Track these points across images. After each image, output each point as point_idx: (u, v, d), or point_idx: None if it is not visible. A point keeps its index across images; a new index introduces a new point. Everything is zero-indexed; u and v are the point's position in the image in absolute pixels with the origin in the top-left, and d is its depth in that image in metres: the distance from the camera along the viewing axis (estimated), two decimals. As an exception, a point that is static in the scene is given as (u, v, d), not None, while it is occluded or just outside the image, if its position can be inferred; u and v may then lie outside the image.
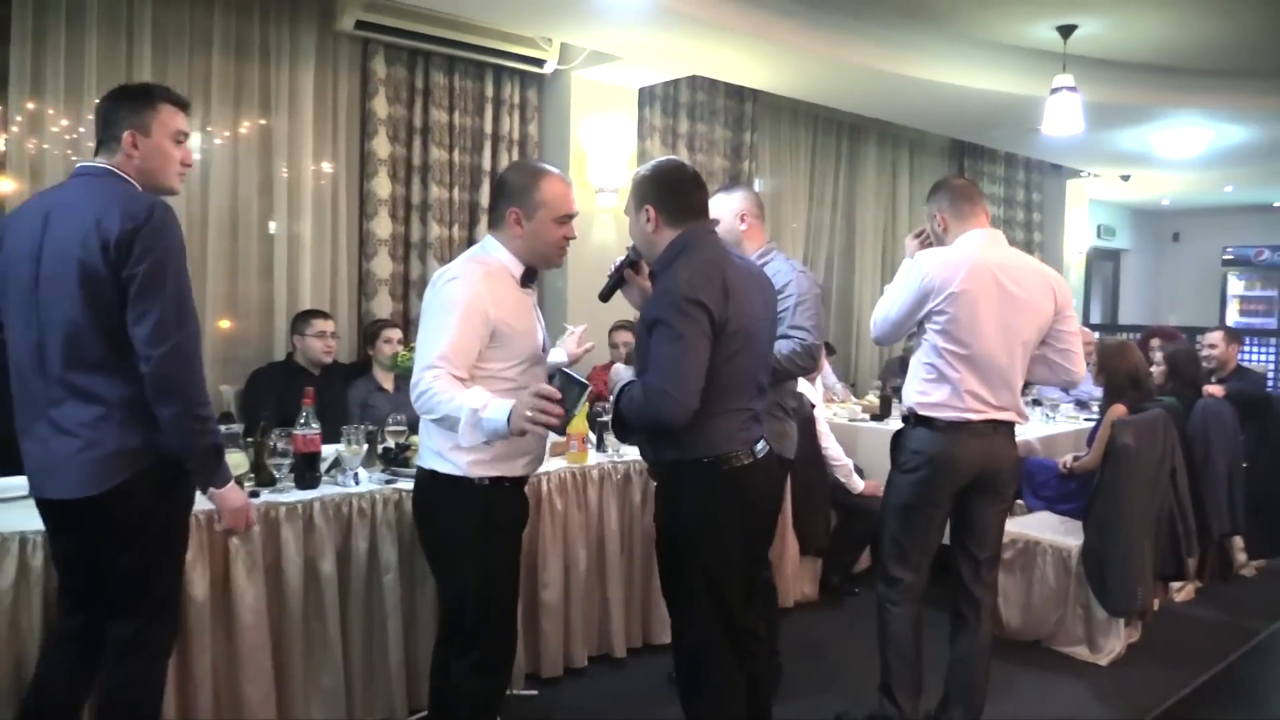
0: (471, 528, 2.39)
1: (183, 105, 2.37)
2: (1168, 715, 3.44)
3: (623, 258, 2.62)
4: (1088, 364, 5.84)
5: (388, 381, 4.44)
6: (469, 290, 2.33)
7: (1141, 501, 3.81)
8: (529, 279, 2.51)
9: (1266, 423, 5.27)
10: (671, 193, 2.43)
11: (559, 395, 2.14)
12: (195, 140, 4.54)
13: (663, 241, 2.42)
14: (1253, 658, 4.05)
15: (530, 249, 2.47)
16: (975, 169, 8.63)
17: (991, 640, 3.12)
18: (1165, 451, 3.98)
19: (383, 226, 5.01)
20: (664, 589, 2.53)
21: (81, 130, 4.18)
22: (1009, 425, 3.00)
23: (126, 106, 2.29)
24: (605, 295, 2.68)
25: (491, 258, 2.46)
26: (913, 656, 3.05)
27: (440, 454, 2.38)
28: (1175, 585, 4.64)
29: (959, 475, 2.93)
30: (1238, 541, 5.15)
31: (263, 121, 4.70)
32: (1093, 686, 3.67)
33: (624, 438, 2.59)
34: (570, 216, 2.46)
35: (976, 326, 2.87)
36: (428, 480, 2.45)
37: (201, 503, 2.40)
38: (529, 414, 2.10)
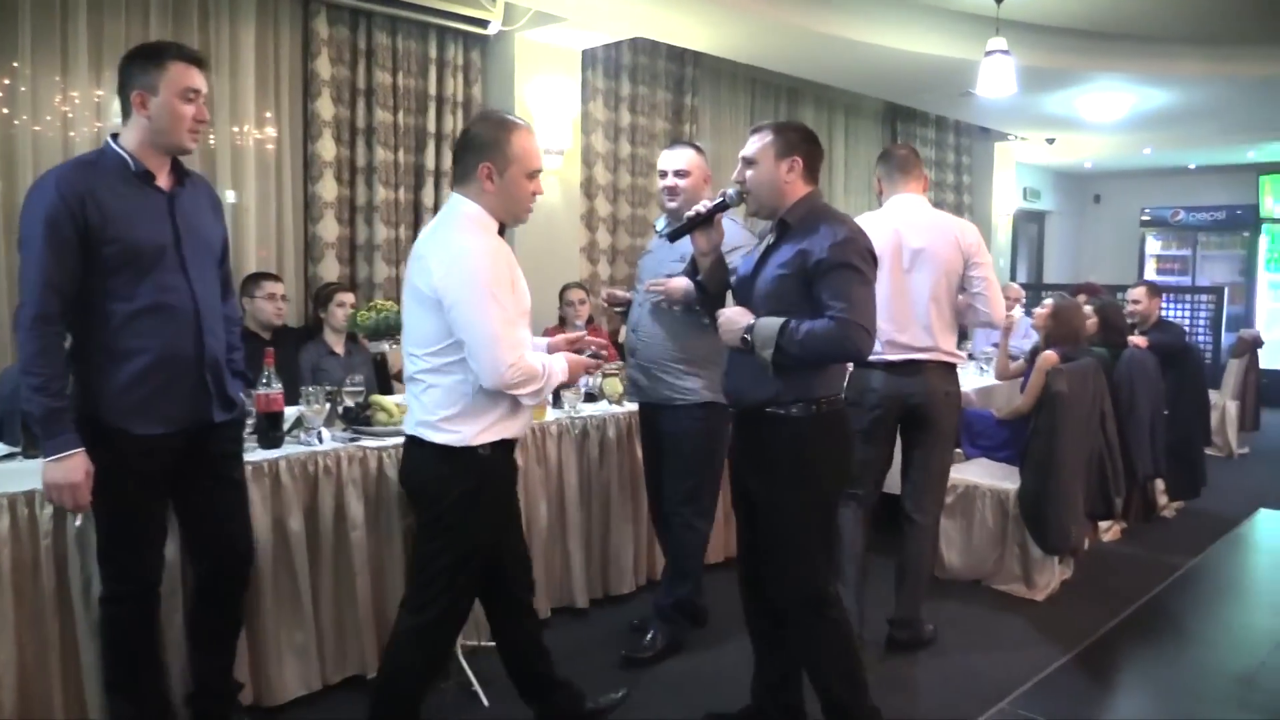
0: (468, 497, 2.38)
1: (195, 61, 2.39)
2: (1099, 644, 3.66)
3: (715, 201, 2.68)
4: (1031, 319, 6.05)
5: (338, 345, 4.44)
6: (494, 257, 2.31)
7: (1074, 445, 4.01)
8: (499, 234, 2.48)
9: (1185, 372, 5.56)
10: (816, 153, 2.60)
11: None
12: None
13: (793, 194, 2.57)
14: (1174, 590, 4.30)
15: (501, 205, 2.42)
16: (907, 132, 8.82)
17: (929, 558, 3.58)
18: (1095, 398, 4.18)
19: (328, 189, 4.96)
20: (777, 543, 2.59)
21: None
22: (933, 364, 3.40)
23: (137, 66, 2.35)
24: (677, 235, 2.77)
25: (479, 217, 2.39)
26: (850, 552, 3.38)
27: (437, 426, 2.35)
28: (1103, 526, 4.90)
29: (881, 406, 3.38)
30: (1159, 484, 5.44)
31: (203, 83, 4.61)
32: (1030, 620, 3.87)
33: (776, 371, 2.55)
34: (539, 171, 2.47)
35: (882, 279, 3.16)
36: (423, 451, 2.39)
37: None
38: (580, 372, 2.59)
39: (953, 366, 3.48)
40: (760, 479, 2.61)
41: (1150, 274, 11.52)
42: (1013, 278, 10.66)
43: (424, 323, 2.34)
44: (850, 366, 3.23)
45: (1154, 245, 11.63)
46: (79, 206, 2.26)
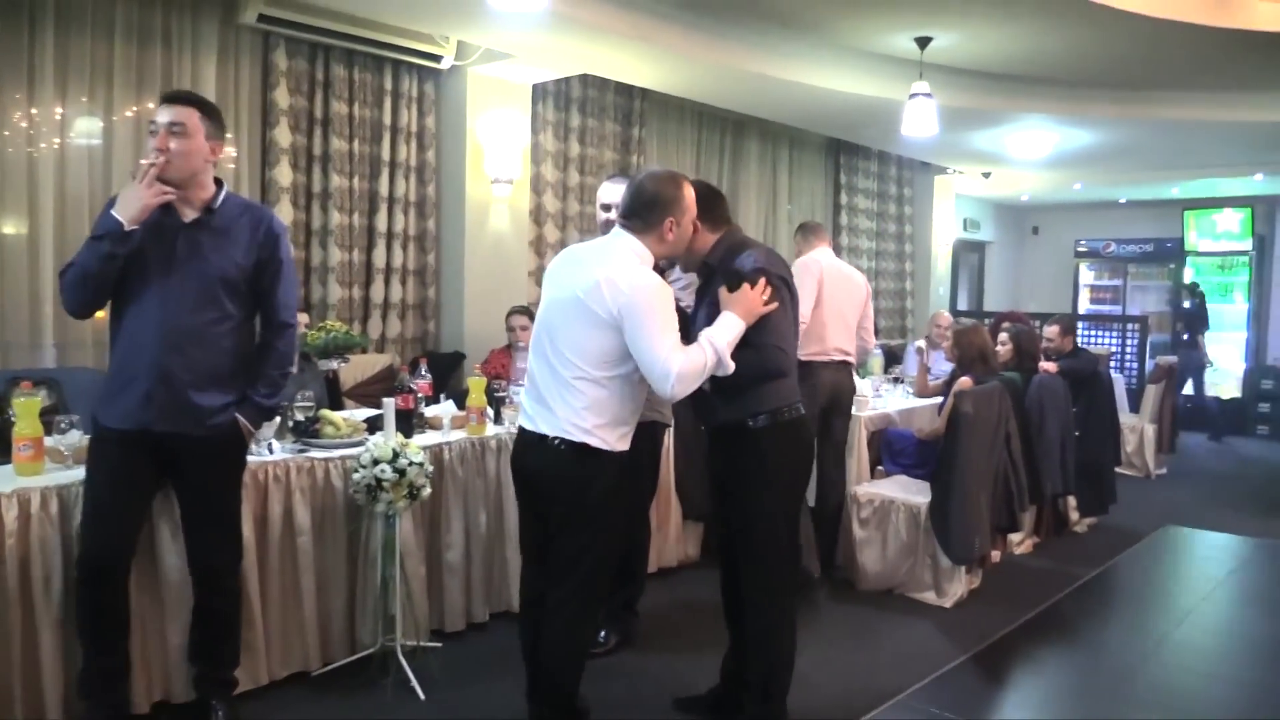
0: (611, 492, 2.70)
1: (165, 99, 2.75)
2: (997, 645, 3.96)
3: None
4: (943, 346, 6.45)
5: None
6: (667, 292, 2.65)
7: (978, 462, 4.33)
8: None
9: (1095, 397, 5.92)
10: (707, 202, 2.88)
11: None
12: (96, 126, 4.64)
13: (704, 243, 2.90)
14: (1075, 598, 4.62)
15: (671, 249, 2.78)
16: (850, 165, 9.19)
17: (839, 511, 4.66)
18: (1000, 418, 4.51)
19: (285, 213, 5.18)
20: (747, 539, 2.90)
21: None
22: (848, 364, 4.68)
23: None
24: None
25: (646, 256, 2.71)
26: None
27: (590, 431, 2.64)
28: (1015, 539, 5.22)
29: (826, 392, 4.53)
30: (1071, 501, 5.78)
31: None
32: (937, 625, 4.16)
33: (718, 398, 2.86)
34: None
35: (824, 303, 4.58)
36: (571, 451, 2.65)
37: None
38: (759, 306, 2.72)
39: (852, 365, 4.75)
40: (731, 485, 2.93)
41: (1084, 303, 12.02)
42: (954, 305, 11.08)
43: (593, 340, 2.63)
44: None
45: (1087, 275, 12.12)
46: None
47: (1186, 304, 10.50)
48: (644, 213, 2.72)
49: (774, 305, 2.75)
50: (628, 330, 2.58)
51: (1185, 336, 10.23)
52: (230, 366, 2.82)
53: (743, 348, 2.72)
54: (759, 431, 2.83)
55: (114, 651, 2.80)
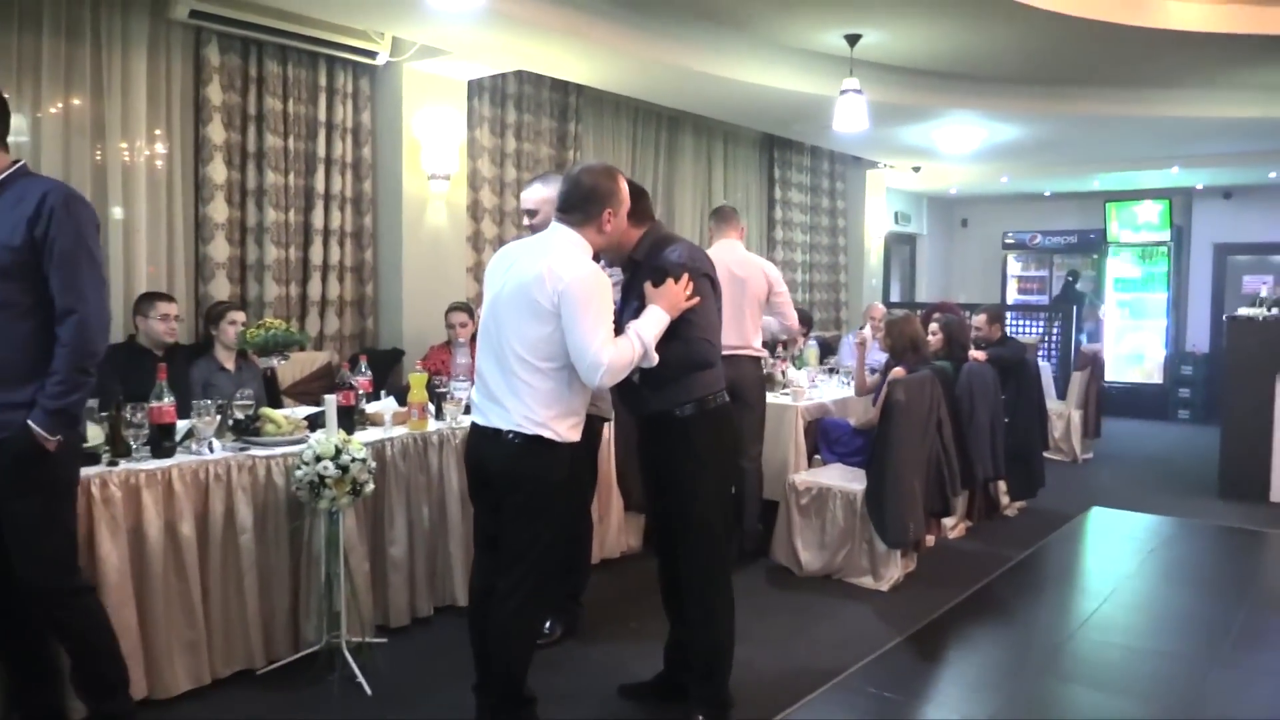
0: (564, 482, 2.77)
1: None
2: (932, 626, 4.09)
3: None
4: (878, 337, 6.59)
5: (229, 362, 4.60)
6: (605, 283, 2.70)
7: (912, 448, 4.45)
8: None
9: (1023, 384, 6.11)
10: (632, 202, 2.92)
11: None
12: (23, 123, 4.53)
13: (629, 238, 2.95)
14: (1006, 578, 4.79)
15: (609, 242, 2.84)
16: (784, 159, 9.32)
17: (757, 491, 4.78)
18: (932, 405, 4.64)
19: (219, 211, 5.11)
20: (683, 523, 2.98)
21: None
22: (746, 356, 4.61)
23: None
24: None
25: (588, 249, 2.77)
26: None
27: (544, 424, 2.69)
28: (948, 523, 5.37)
29: None
30: (1001, 485, 5.96)
31: (94, 104, 4.71)
32: (875, 608, 4.27)
33: (647, 389, 2.93)
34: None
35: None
36: (526, 444, 2.69)
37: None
38: (683, 300, 2.80)
39: (758, 358, 4.76)
40: (663, 472, 3.01)
41: (1012, 293, 12.33)
42: (886, 297, 11.29)
43: (537, 331, 2.67)
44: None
45: (1015, 266, 12.44)
46: None
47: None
48: (583, 206, 2.78)
49: (696, 300, 2.84)
50: (564, 318, 2.64)
51: (1057, 325, 10.58)
52: (23, 362, 2.52)
53: (671, 340, 2.80)
54: (687, 420, 2.93)
55: (32, 662, 2.76)
